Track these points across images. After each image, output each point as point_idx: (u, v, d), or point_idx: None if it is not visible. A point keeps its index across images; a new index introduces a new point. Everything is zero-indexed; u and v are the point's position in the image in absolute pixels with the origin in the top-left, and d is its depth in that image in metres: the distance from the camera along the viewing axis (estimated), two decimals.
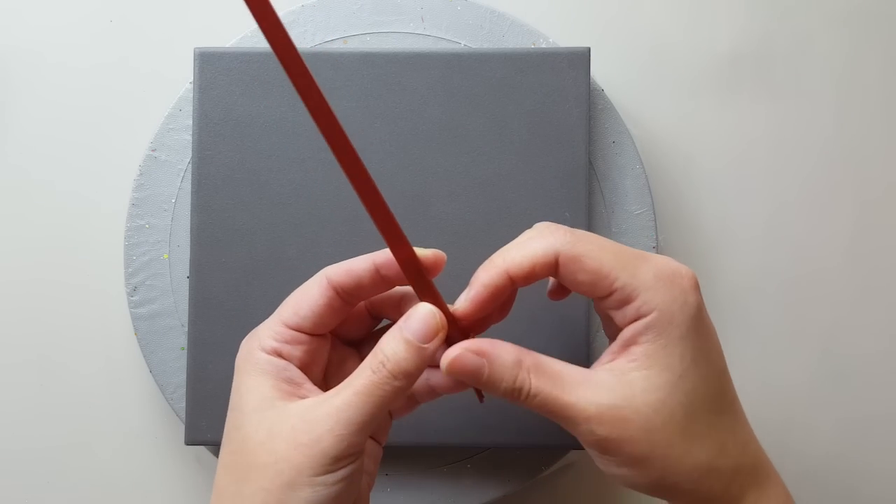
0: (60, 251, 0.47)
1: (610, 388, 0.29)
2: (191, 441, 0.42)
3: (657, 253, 0.44)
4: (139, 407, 0.47)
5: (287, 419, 0.28)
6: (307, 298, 0.31)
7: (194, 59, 0.42)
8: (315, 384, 0.31)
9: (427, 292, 0.30)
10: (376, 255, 0.31)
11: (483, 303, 0.30)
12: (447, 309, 0.30)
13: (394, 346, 0.29)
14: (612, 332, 0.32)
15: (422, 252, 0.30)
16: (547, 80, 0.42)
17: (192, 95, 0.43)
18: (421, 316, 0.29)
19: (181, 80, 0.47)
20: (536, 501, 0.47)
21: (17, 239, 0.47)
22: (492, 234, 0.42)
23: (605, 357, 0.31)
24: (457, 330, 0.31)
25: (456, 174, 0.42)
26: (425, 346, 0.29)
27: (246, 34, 0.45)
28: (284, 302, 0.31)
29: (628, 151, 0.44)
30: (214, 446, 0.43)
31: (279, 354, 0.30)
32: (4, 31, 0.48)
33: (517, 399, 0.30)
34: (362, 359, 0.32)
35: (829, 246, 0.48)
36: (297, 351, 0.31)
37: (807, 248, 0.48)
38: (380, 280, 0.31)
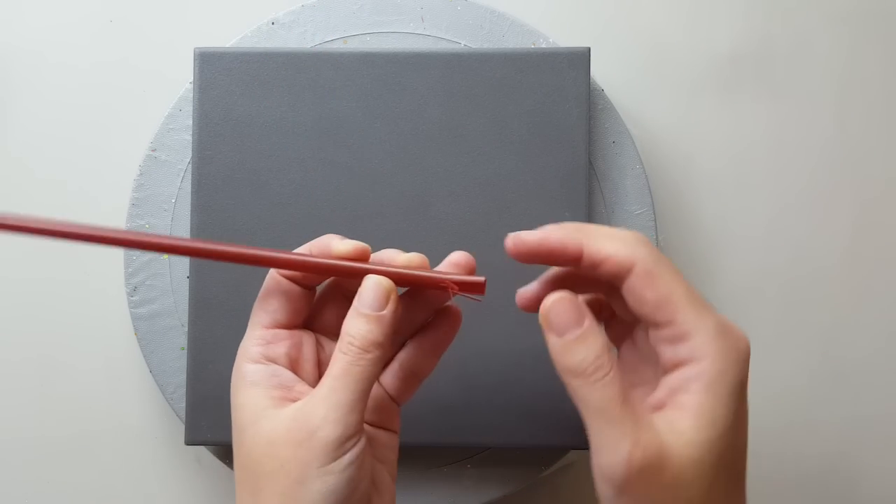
0: (60, 251, 0.47)
1: (657, 434, 0.27)
2: (191, 441, 0.42)
3: None
4: (139, 407, 0.47)
5: (282, 423, 0.29)
6: (268, 295, 0.32)
7: (194, 59, 0.42)
8: (310, 383, 0.31)
9: (368, 271, 0.31)
10: (311, 242, 0.32)
11: (540, 249, 0.30)
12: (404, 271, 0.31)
13: (354, 324, 0.30)
14: (646, 365, 0.31)
15: (340, 248, 0.31)
16: (547, 80, 0.42)
17: (192, 95, 0.43)
18: (369, 287, 0.30)
19: (181, 80, 0.47)
20: (536, 501, 0.47)
21: (17, 238, 0.47)
22: (492, 234, 0.42)
23: (649, 398, 0.29)
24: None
25: (456, 174, 0.42)
26: (382, 313, 0.30)
27: (246, 34, 0.45)
28: (252, 311, 0.32)
29: (628, 151, 0.44)
30: (214, 446, 0.43)
31: (267, 358, 0.31)
32: (5, 31, 0.48)
33: (580, 377, 0.28)
34: None
35: (830, 246, 0.48)
36: (282, 348, 0.31)
37: (807, 247, 0.48)
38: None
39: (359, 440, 0.29)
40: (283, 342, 0.31)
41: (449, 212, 0.42)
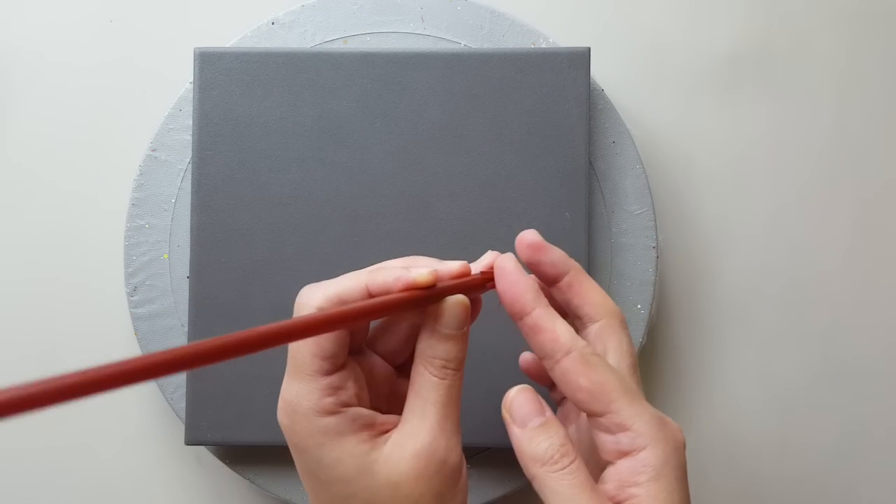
0: (60, 251, 0.47)
1: None
2: (191, 441, 0.42)
3: (657, 253, 0.44)
4: (139, 407, 0.47)
5: (399, 462, 0.28)
6: (322, 339, 0.29)
7: (194, 59, 0.42)
8: (370, 404, 0.30)
9: (442, 293, 0.29)
10: (367, 279, 0.29)
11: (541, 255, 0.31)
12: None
13: (445, 348, 0.29)
14: (590, 455, 0.32)
15: (420, 278, 0.29)
16: (547, 80, 0.42)
17: (192, 95, 0.43)
18: (451, 309, 0.29)
19: (181, 80, 0.47)
20: (536, 501, 0.47)
21: (17, 238, 0.47)
22: (492, 234, 0.42)
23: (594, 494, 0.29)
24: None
25: (456, 174, 0.42)
26: (465, 330, 0.30)
27: (246, 34, 0.45)
28: (292, 357, 0.29)
29: (628, 151, 0.44)
30: (214, 446, 0.43)
31: (341, 404, 0.29)
32: (5, 31, 0.48)
33: (546, 465, 0.29)
34: (392, 364, 0.33)
35: (830, 246, 0.48)
36: (351, 390, 0.29)
37: (807, 248, 0.48)
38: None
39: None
40: (348, 383, 0.29)
41: (449, 212, 0.42)
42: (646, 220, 0.44)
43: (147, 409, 0.47)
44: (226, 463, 0.44)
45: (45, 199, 0.47)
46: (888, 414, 0.47)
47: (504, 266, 0.30)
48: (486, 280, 0.31)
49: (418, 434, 0.29)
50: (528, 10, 0.47)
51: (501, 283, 0.30)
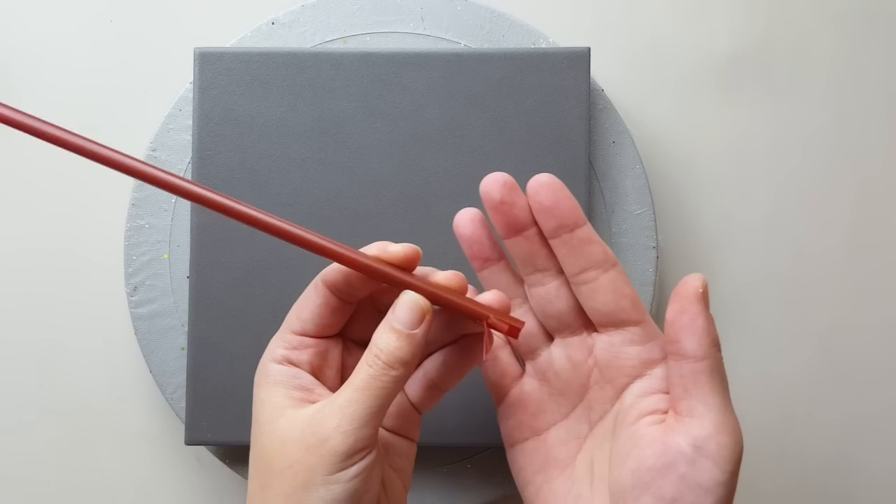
0: (60, 251, 0.47)
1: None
2: (191, 441, 0.42)
3: (657, 253, 0.44)
4: (139, 407, 0.47)
5: (297, 424, 0.29)
6: (306, 302, 0.32)
7: (194, 59, 0.42)
8: (331, 389, 0.32)
9: (410, 285, 0.30)
10: (362, 252, 0.31)
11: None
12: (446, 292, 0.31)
13: (385, 338, 0.29)
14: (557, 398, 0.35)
15: (392, 250, 0.30)
16: (547, 80, 0.42)
17: (192, 95, 0.43)
18: (405, 303, 0.30)
19: (181, 80, 0.47)
20: None
21: (17, 238, 0.47)
22: None
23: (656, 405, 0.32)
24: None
25: (456, 174, 0.42)
26: (414, 332, 0.29)
27: (246, 34, 0.45)
28: (290, 311, 0.32)
29: (628, 151, 0.44)
30: (214, 446, 0.43)
31: (289, 362, 0.31)
32: (5, 32, 0.48)
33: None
34: None
35: (830, 246, 0.48)
36: (305, 355, 0.31)
37: (807, 247, 0.48)
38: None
39: (369, 453, 0.29)
40: (307, 349, 0.31)
41: (449, 212, 0.42)
42: (646, 220, 0.44)
43: (147, 409, 0.47)
44: (226, 463, 0.44)
45: (45, 198, 0.47)
46: (888, 414, 0.47)
47: (549, 181, 0.32)
48: (481, 315, 0.30)
49: (323, 409, 0.29)
50: (528, 10, 0.47)
51: (554, 195, 0.32)
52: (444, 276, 0.31)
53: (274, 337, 0.32)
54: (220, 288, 0.42)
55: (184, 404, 0.43)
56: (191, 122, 0.43)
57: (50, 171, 0.48)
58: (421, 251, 0.31)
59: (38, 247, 0.47)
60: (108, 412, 0.47)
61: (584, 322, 0.33)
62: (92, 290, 0.47)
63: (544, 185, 0.32)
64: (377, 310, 0.33)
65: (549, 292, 0.33)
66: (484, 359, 0.31)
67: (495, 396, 0.36)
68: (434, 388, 0.33)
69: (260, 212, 0.29)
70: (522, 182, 0.42)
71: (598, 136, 0.44)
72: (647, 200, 0.44)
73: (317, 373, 0.32)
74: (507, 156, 0.42)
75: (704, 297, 0.30)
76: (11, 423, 0.47)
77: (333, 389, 0.31)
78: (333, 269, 0.31)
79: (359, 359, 0.33)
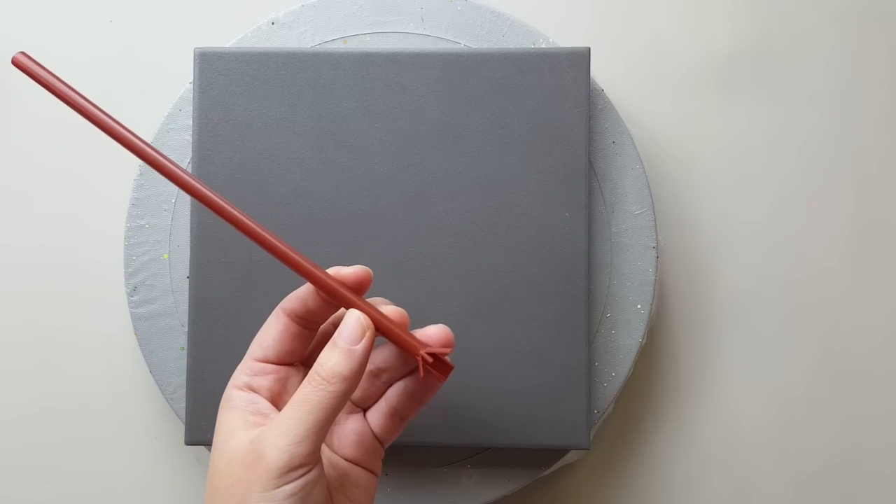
0: (60, 251, 0.47)
1: None
2: (191, 441, 0.42)
3: (657, 253, 0.44)
4: (139, 407, 0.47)
5: (241, 444, 0.30)
6: (268, 330, 0.33)
7: (194, 59, 0.42)
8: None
9: (355, 306, 0.31)
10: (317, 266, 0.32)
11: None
12: (385, 318, 0.32)
13: (326, 354, 0.30)
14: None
15: (344, 272, 0.32)
16: (547, 80, 0.42)
17: (192, 95, 0.43)
18: (346, 320, 0.31)
19: (181, 80, 0.47)
20: (536, 501, 0.47)
21: (17, 238, 0.47)
22: (492, 234, 0.42)
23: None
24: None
25: (456, 174, 0.42)
26: (354, 347, 0.30)
27: (246, 34, 0.45)
28: (253, 340, 0.33)
29: (628, 151, 0.44)
30: None
31: (250, 388, 0.32)
32: (5, 32, 0.48)
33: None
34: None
35: (830, 246, 0.48)
36: (266, 381, 0.32)
37: (807, 247, 0.48)
38: (326, 301, 0.32)
39: (307, 472, 0.29)
40: (268, 376, 0.32)
41: (449, 212, 0.42)
42: (646, 220, 0.44)
43: (147, 409, 0.47)
44: None
45: (45, 198, 0.47)
46: (888, 414, 0.47)
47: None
48: (413, 349, 0.31)
49: (266, 429, 0.30)
50: (528, 10, 0.47)
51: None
52: (389, 309, 0.32)
53: (239, 364, 0.33)
54: (220, 288, 0.42)
55: (184, 404, 0.43)
56: (191, 122, 0.43)
57: (50, 170, 0.48)
58: (371, 273, 0.32)
59: (39, 246, 0.47)
60: (107, 412, 0.47)
61: None
62: (92, 290, 0.47)
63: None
64: None
65: None
66: (438, 388, 0.32)
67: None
68: (396, 416, 0.34)
69: (226, 202, 0.31)
70: (523, 182, 0.42)
71: (598, 136, 0.44)
72: (646, 200, 0.44)
73: (276, 399, 0.32)
74: (506, 156, 0.42)
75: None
76: (11, 423, 0.47)
77: None
78: (292, 297, 0.32)
79: None
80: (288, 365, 0.33)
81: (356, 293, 0.32)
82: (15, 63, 0.30)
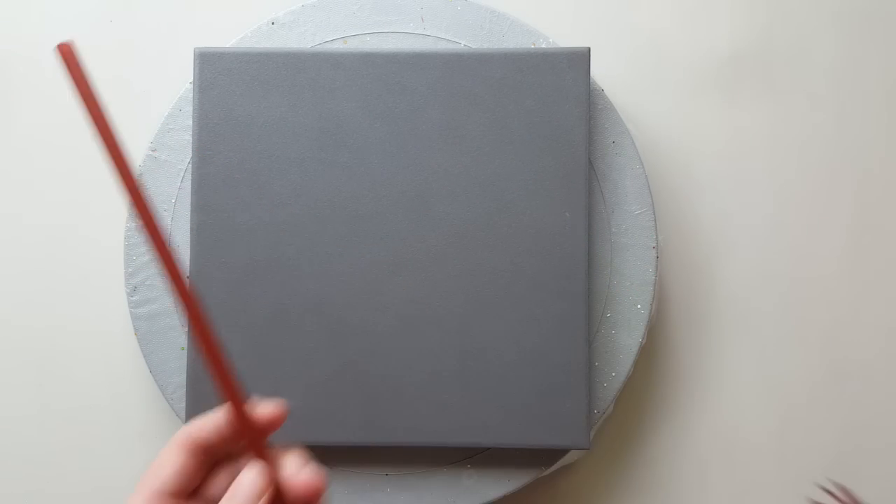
0: (61, 251, 0.47)
1: None
2: None
3: (657, 253, 0.44)
4: (139, 407, 0.47)
5: None
6: (163, 461, 0.31)
7: (194, 59, 0.42)
8: None
9: (258, 451, 0.30)
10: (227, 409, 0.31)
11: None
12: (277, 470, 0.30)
13: None
14: None
15: (261, 408, 0.30)
16: (547, 80, 0.42)
17: (192, 95, 0.43)
18: (244, 482, 0.30)
19: (181, 80, 0.47)
20: (536, 501, 0.47)
21: (17, 238, 0.47)
22: (492, 234, 0.42)
23: None
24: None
25: (456, 174, 0.42)
26: None
27: (246, 34, 0.45)
28: (146, 471, 0.32)
29: (628, 151, 0.44)
30: None
31: None
32: (5, 32, 0.48)
33: None
34: None
35: (829, 246, 0.48)
36: None
37: (807, 248, 0.48)
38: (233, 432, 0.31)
39: None
40: None
41: (449, 212, 0.42)
42: (646, 220, 0.44)
43: (147, 409, 0.47)
44: None
45: (45, 198, 0.47)
46: (888, 414, 0.47)
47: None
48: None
49: None
50: (528, 10, 0.47)
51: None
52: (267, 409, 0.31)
53: (131, 495, 0.32)
54: (220, 288, 0.42)
55: (184, 404, 0.43)
56: (191, 122, 0.43)
57: (49, 172, 0.48)
58: (286, 413, 0.31)
59: (39, 246, 0.47)
60: (107, 412, 0.47)
61: None
62: (92, 290, 0.47)
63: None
64: (235, 471, 0.33)
65: None
66: None
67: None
68: None
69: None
70: (523, 182, 0.42)
71: (598, 136, 0.44)
72: (646, 200, 0.44)
73: None
74: (506, 156, 0.42)
75: None
76: (11, 423, 0.47)
77: None
78: (186, 430, 0.31)
79: None
80: (185, 497, 0.32)
81: (265, 434, 0.30)
82: (60, 50, 0.28)
